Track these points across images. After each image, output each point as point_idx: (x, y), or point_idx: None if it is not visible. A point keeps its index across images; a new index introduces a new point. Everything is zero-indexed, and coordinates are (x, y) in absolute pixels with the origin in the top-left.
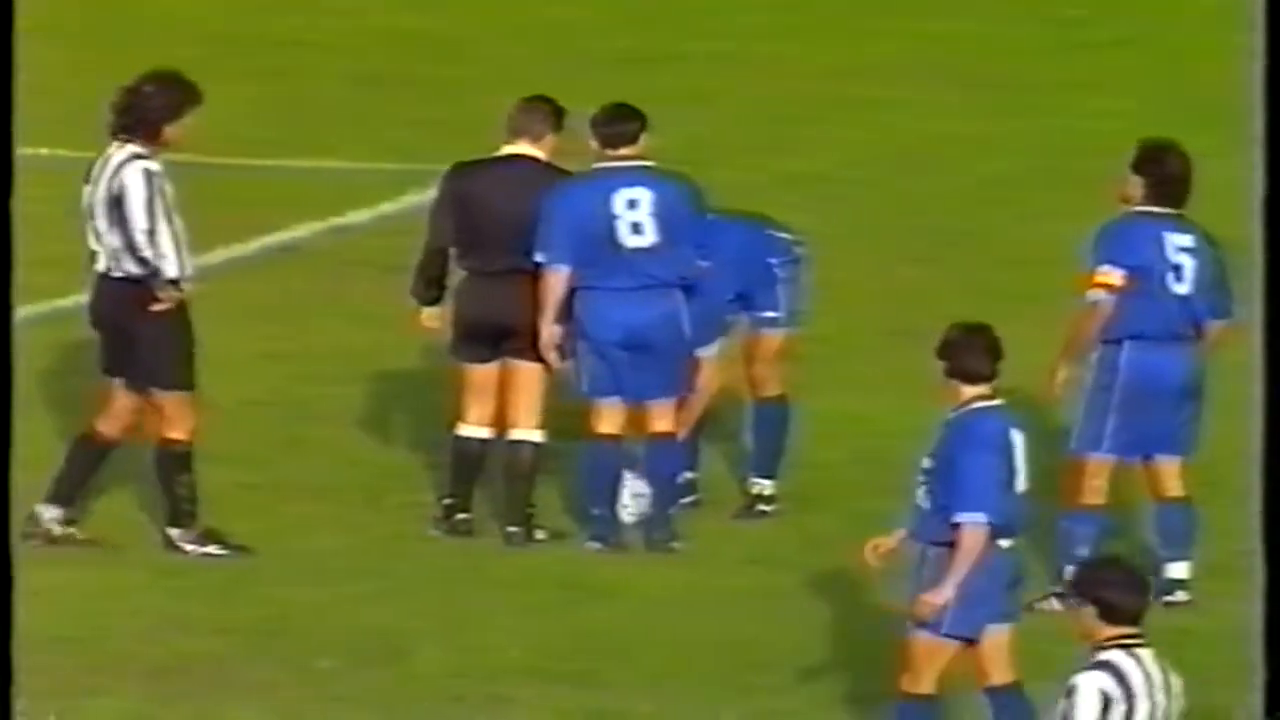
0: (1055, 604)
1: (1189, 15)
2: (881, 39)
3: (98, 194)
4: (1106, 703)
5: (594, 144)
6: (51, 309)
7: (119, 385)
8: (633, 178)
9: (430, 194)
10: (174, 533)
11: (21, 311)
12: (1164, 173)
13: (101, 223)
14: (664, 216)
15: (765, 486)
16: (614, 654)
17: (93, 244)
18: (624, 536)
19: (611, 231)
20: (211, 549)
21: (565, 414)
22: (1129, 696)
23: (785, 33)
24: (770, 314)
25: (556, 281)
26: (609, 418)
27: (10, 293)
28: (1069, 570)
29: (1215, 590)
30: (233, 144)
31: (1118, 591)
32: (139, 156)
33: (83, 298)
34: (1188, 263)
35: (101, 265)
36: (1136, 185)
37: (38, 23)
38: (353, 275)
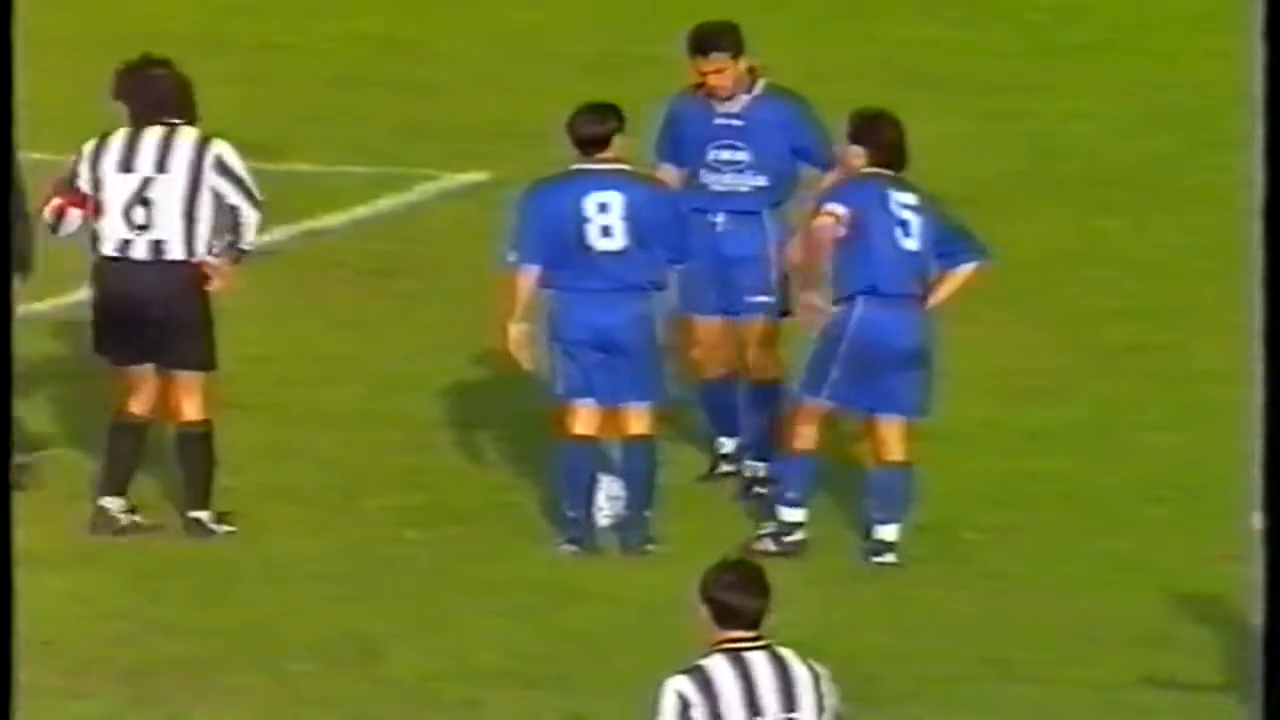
0: (770, 544)
1: (1159, 19)
2: (852, 42)
3: (170, 177)
4: (685, 706)
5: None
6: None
7: (146, 370)
8: (605, 181)
9: (407, 197)
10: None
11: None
12: (879, 139)
13: (170, 207)
14: (635, 220)
15: (759, 469)
16: (589, 657)
17: (125, 232)
18: (599, 539)
19: (581, 234)
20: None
21: (540, 416)
22: (711, 701)
23: (756, 36)
24: (761, 298)
25: (526, 282)
26: (583, 419)
27: (10, 293)
28: (781, 510)
29: (1200, 593)
30: None
31: (731, 594)
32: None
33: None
34: (913, 219)
35: (142, 253)
36: (858, 155)
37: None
38: (327, 279)
